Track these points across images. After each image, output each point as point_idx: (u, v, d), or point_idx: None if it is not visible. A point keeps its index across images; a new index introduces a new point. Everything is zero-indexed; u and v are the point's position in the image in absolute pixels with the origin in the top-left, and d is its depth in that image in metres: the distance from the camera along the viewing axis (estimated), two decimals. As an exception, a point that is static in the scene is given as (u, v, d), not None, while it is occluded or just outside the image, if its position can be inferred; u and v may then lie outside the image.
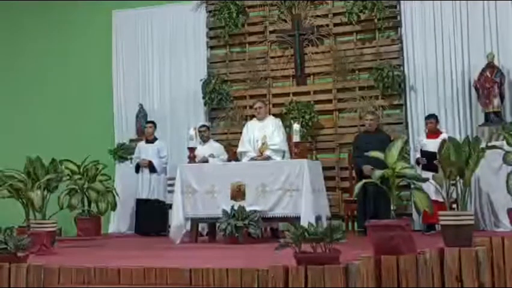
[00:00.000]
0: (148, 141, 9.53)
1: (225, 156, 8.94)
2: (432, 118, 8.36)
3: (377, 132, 8.37)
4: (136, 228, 9.40)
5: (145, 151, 9.44)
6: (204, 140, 9.06)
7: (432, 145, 7.65)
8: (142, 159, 9.36)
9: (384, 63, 9.21)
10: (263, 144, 8.03)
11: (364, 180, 5.42)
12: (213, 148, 8.97)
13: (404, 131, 9.07)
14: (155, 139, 9.54)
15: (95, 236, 8.29)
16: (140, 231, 9.30)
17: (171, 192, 8.76)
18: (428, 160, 7.57)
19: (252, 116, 8.68)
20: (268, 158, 7.86)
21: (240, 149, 8.25)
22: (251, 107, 9.65)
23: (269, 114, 8.69)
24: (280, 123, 8.32)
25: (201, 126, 9.14)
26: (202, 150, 8.70)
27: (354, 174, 8.79)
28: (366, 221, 4.97)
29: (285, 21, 9.91)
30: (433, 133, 8.23)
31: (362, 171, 7.86)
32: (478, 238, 4.56)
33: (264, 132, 8.10)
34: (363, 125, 8.85)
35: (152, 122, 9.67)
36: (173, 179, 8.09)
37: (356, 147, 8.35)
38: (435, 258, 4.25)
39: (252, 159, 7.96)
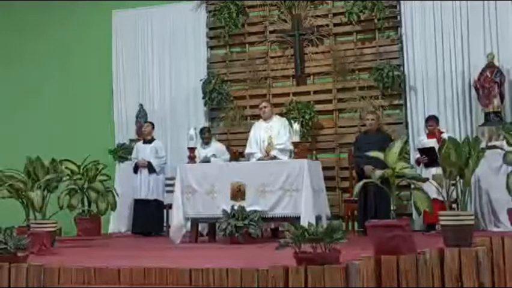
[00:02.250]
0: (145, 141, 9.52)
1: (227, 155, 8.94)
2: (431, 121, 8.33)
3: (377, 132, 8.38)
4: (133, 228, 9.38)
5: (142, 151, 9.42)
6: (206, 142, 9.06)
7: (432, 145, 7.69)
8: (142, 158, 9.35)
9: (384, 63, 9.21)
10: (269, 144, 8.03)
11: (364, 180, 5.43)
12: (215, 149, 8.96)
13: (404, 131, 9.07)
14: (153, 139, 9.53)
15: (95, 236, 8.28)
16: (137, 231, 9.28)
17: (169, 192, 8.76)
18: (428, 156, 7.58)
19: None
20: (274, 157, 7.85)
21: (247, 150, 8.26)
22: (251, 107, 9.68)
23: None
24: (287, 122, 8.30)
25: (201, 132, 9.10)
26: (205, 152, 8.70)
27: (354, 174, 8.79)
28: (366, 221, 4.96)
29: (285, 21, 9.90)
30: (434, 134, 8.23)
31: (363, 172, 7.85)
32: (478, 238, 4.56)
33: (270, 132, 8.10)
34: (363, 125, 8.85)
35: (150, 122, 9.66)
36: (172, 179, 8.07)
37: (357, 148, 8.34)
38: (435, 258, 4.25)
39: (259, 159, 7.95)
